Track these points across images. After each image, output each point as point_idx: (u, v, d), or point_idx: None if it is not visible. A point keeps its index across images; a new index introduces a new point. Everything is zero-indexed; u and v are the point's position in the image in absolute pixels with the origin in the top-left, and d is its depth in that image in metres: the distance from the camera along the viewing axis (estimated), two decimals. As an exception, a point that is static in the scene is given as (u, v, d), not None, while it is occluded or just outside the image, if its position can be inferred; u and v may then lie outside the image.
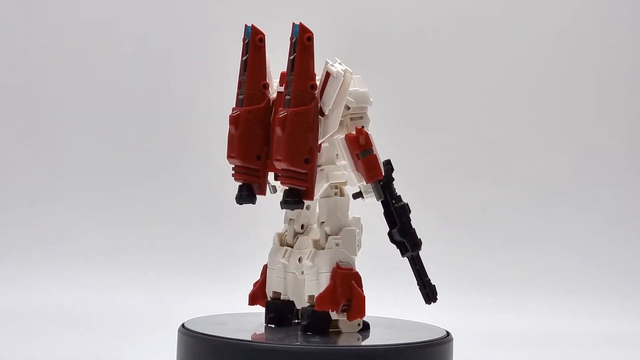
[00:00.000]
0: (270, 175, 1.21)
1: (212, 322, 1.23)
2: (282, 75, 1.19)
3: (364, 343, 1.17)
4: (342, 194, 1.22)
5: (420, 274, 1.22)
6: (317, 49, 1.15)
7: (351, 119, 1.19)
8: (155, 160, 1.99)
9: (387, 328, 1.25)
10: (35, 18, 2.03)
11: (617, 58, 2.03)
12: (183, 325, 1.21)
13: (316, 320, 1.18)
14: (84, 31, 2.02)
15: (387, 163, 1.20)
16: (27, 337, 1.58)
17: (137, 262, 1.92)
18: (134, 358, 1.48)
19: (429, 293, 1.22)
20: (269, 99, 1.19)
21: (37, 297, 1.82)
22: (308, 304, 1.20)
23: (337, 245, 1.19)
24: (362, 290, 1.18)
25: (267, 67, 1.20)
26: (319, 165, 1.19)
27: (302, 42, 1.15)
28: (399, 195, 1.21)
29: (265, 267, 1.25)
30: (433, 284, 1.23)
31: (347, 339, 1.17)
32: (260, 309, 1.26)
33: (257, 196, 1.20)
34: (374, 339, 1.19)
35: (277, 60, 1.20)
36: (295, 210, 1.20)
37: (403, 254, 1.22)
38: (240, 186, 1.20)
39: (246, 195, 1.19)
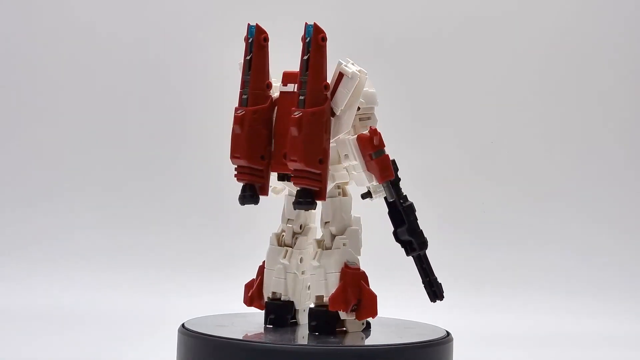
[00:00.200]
0: (272, 176, 1.20)
1: (212, 322, 1.23)
2: (285, 74, 1.18)
3: (364, 343, 1.17)
4: (344, 194, 1.22)
5: (428, 272, 1.21)
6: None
7: (360, 119, 1.19)
8: (155, 160, 1.99)
9: (387, 328, 1.25)
10: (34, 19, 2.03)
11: (617, 58, 2.03)
12: (183, 325, 1.21)
13: (326, 321, 1.18)
14: (83, 31, 2.02)
15: (392, 163, 1.20)
16: (27, 337, 1.58)
17: (137, 262, 1.92)
18: (134, 358, 1.48)
19: (436, 291, 1.22)
20: (272, 99, 1.19)
21: (37, 297, 1.82)
22: (315, 304, 1.20)
23: (344, 245, 1.19)
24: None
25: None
26: None
27: (316, 42, 1.14)
28: (405, 195, 1.21)
29: (260, 267, 1.24)
30: (440, 282, 1.22)
31: (353, 338, 1.17)
32: (259, 309, 1.25)
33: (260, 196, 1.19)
34: (374, 339, 1.19)
35: (276, 60, 1.20)
36: (296, 210, 1.20)
37: (408, 253, 1.21)
38: (243, 187, 1.19)
39: (249, 195, 1.18)
